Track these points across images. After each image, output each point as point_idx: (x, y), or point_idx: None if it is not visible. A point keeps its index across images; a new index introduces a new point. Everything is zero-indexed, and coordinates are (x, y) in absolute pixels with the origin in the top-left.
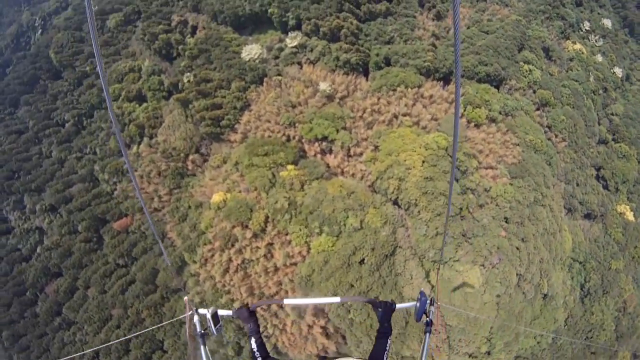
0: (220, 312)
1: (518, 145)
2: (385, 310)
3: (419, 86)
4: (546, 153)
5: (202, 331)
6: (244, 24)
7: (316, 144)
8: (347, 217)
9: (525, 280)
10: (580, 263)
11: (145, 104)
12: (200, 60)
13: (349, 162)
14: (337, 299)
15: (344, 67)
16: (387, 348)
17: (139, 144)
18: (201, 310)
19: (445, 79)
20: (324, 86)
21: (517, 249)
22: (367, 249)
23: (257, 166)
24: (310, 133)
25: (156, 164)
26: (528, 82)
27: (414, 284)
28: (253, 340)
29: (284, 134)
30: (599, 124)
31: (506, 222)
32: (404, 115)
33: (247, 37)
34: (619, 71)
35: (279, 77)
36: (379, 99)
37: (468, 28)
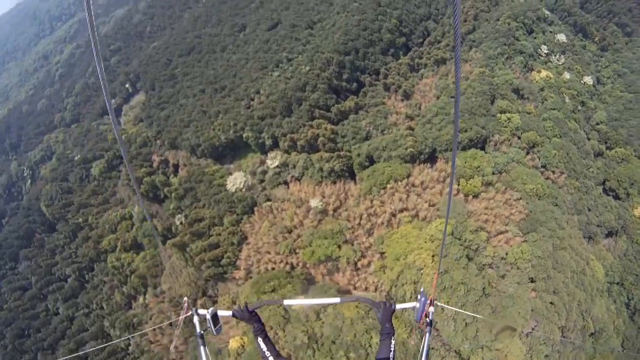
0: (220, 312)
1: (520, 199)
2: (384, 311)
3: (408, 175)
4: (550, 195)
5: (202, 331)
6: (223, 152)
7: (321, 266)
8: (371, 337)
9: (569, 329)
10: (618, 284)
11: (143, 252)
12: (188, 200)
13: (359, 276)
14: (337, 300)
15: (330, 176)
16: (393, 347)
17: (144, 294)
18: (201, 311)
19: (431, 158)
20: (314, 203)
21: (551, 303)
22: None
23: (267, 305)
24: (313, 257)
25: (166, 315)
26: (510, 131)
27: None
28: (260, 339)
29: (286, 263)
30: (589, 139)
31: (532, 282)
32: (401, 211)
33: (228, 166)
34: (588, 79)
35: (269, 203)
36: (372, 201)
37: (438, 98)
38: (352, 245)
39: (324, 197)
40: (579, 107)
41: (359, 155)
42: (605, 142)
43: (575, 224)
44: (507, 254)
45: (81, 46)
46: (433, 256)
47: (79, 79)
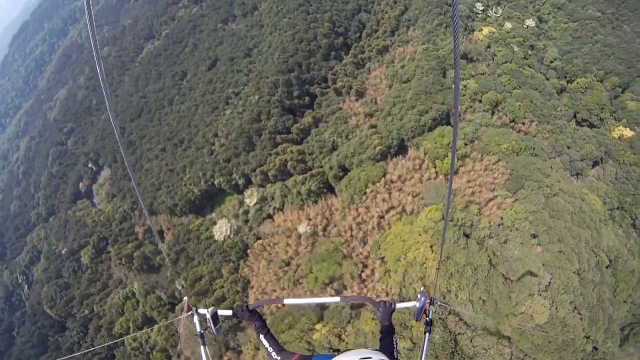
0: (221, 312)
1: (499, 160)
2: (384, 310)
3: (384, 174)
4: (526, 147)
5: (202, 331)
6: (201, 204)
7: (328, 288)
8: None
9: (585, 270)
10: (618, 208)
11: (156, 326)
12: (182, 262)
13: (366, 287)
14: (337, 299)
15: (310, 197)
16: (395, 345)
17: None
18: (201, 311)
19: (401, 149)
20: (302, 228)
21: (560, 252)
22: None
23: (289, 342)
24: (317, 282)
25: None
26: (470, 97)
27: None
28: (262, 337)
29: (295, 295)
30: (547, 79)
31: (535, 237)
32: (387, 211)
33: (210, 216)
34: (530, 22)
35: (260, 242)
36: (357, 209)
37: (390, 88)
38: (352, 258)
39: (310, 219)
40: (529, 52)
41: (331, 168)
42: (565, 77)
43: (559, 165)
44: (502, 219)
45: (35, 137)
46: (431, 247)
47: (42, 171)
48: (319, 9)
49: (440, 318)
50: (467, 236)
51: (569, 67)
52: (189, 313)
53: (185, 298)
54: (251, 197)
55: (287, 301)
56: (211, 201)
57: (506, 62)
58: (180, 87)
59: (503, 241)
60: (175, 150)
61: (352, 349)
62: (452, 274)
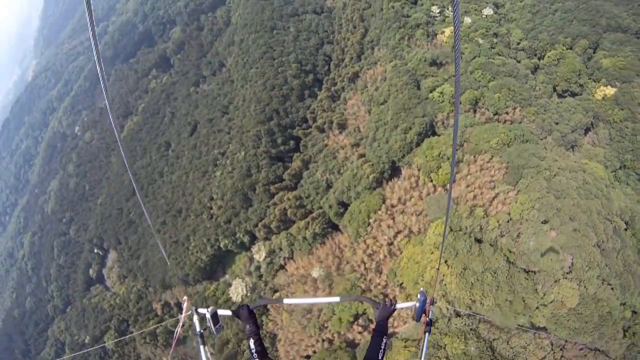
0: (220, 312)
1: (492, 157)
2: (383, 310)
3: (384, 200)
4: (515, 136)
5: (202, 331)
6: (212, 269)
7: (354, 325)
8: None
9: (603, 241)
10: (620, 168)
11: (155, 326)
12: (207, 331)
13: (392, 316)
14: (336, 299)
15: (316, 240)
16: (383, 347)
17: None
18: (201, 310)
19: (394, 171)
20: (315, 272)
21: (575, 230)
22: None
23: None
24: (342, 323)
25: None
26: (449, 101)
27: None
28: (252, 341)
29: (322, 341)
30: (519, 62)
31: (546, 223)
32: (395, 236)
33: (224, 279)
34: (487, 10)
35: (278, 294)
36: (365, 242)
37: (369, 113)
38: (371, 291)
39: (321, 262)
40: (495, 40)
41: (330, 206)
42: (535, 55)
43: (552, 144)
44: (509, 214)
45: (36, 232)
46: (446, 262)
47: (50, 264)
48: (283, 52)
49: (471, 329)
50: (479, 241)
51: (536, 43)
52: (189, 313)
53: (185, 298)
54: (259, 252)
55: (286, 301)
56: (221, 264)
57: (475, 58)
58: (167, 158)
59: (516, 236)
60: (176, 221)
61: None
62: (472, 284)
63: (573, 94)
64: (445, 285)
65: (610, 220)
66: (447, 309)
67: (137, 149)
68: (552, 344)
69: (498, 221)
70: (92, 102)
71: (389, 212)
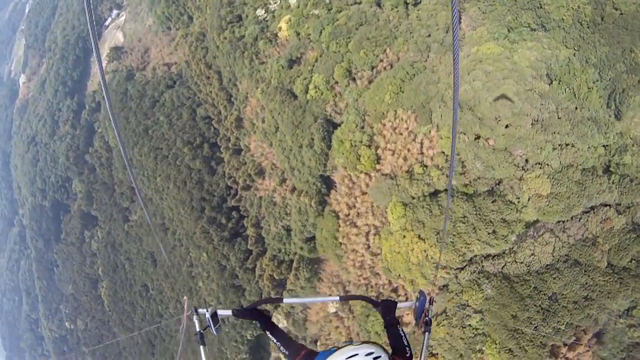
0: (220, 312)
1: (395, 111)
2: (385, 307)
3: (337, 215)
4: (401, 78)
5: (202, 331)
6: (255, 358)
7: None
8: None
9: (538, 115)
10: (509, 31)
11: (155, 326)
12: None
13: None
14: (336, 298)
15: (312, 281)
16: (403, 334)
17: None
18: (200, 310)
19: (328, 183)
20: (331, 308)
21: (507, 126)
22: None
23: None
24: (380, 336)
25: None
26: (326, 88)
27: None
28: (269, 334)
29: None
30: (360, 3)
31: (478, 138)
32: (367, 239)
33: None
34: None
35: (318, 343)
36: (349, 258)
37: (272, 146)
38: (383, 294)
39: (329, 295)
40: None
41: (301, 248)
42: None
43: (436, 58)
44: (443, 152)
45: None
46: (419, 237)
47: None
48: (168, 144)
49: (479, 272)
50: (435, 195)
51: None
52: (189, 313)
53: (185, 298)
54: (281, 322)
55: (286, 300)
56: (259, 351)
57: (321, 32)
58: (152, 299)
59: (461, 168)
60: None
61: (353, 344)
62: (452, 242)
63: None
64: (431, 257)
65: (532, 90)
66: (449, 275)
67: (125, 309)
68: (552, 232)
69: (438, 166)
70: (58, 292)
71: (348, 222)
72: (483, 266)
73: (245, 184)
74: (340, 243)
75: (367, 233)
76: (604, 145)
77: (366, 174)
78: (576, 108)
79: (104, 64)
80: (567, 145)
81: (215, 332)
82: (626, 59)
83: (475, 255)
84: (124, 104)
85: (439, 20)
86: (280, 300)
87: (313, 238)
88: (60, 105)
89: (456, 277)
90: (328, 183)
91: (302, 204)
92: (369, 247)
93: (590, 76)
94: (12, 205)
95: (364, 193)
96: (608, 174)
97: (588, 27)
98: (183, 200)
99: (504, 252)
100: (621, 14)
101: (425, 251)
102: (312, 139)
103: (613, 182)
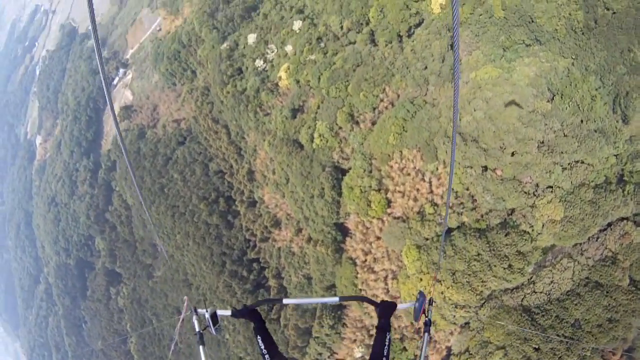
0: (220, 312)
1: (400, 152)
2: (383, 308)
3: (354, 263)
4: (403, 117)
5: (201, 331)
6: None
7: None
8: None
9: (543, 137)
10: (505, 51)
11: (153, 326)
12: None
13: (448, 341)
14: (335, 299)
15: (336, 329)
16: (387, 343)
17: None
18: (200, 311)
19: (343, 231)
20: (358, 352)
21: (513, 154)
22: None
23: None
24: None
25: None
26: (331, 133)
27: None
28: (259, 338)
29: None
30: (354, 43)
31: (486, 170)
32: (385, 284)
33: None
34: (297, 23)
35: None
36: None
37: (284, 196)
38: (409, 341)
39: (355, 341)
40: (322, 45)
41: (323, 296)
42: (362, 25)
43: (435, 91)
44: (453, 189)
45: None
46: (438, 280)
47: None
48: (185, 202)
49: (499, 307)
50: (448, 233)
51: (355, 14)
52: (188, 312)
53: (186, 297)
54: None
55: (286, 301)
56: None
57: (320, 78)
58: (178, 355)
59: (471, 204)
60: None
61: None
62: (468, 282)
63: (417, 25)
64: (449, 299)
65: (534, 112)
66: (469, 313)
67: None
68: (570, 256)
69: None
70: (90, 349)
71: (365, 268)
72: (502, 300)
73: (263, 236)
74: (360, 289)
75: (385, 278)
76: (615, 155)
77: (379, 218)
78: (582, 121)
79: None
80: (576, 162)
81: (214, 333)
82: (625, 59)
83: (494, 291)
84: (137, 162)
85: (433, 51)
86: (280, 300)
87: (333, 285)
88: (77, 165)
89: (476, 313)
90: (343, 230)
91: (319, 253)
92: (388, 291)
93: (591, 84)
94: (37, 263)
95: (378, 238)
96: (622, 184)
97: (583, 34)
98: (204, 255)
99: (522, 284)
100: (614, 13)
101: (442, 293)
102: (323, 189)
103: (628, 193)
